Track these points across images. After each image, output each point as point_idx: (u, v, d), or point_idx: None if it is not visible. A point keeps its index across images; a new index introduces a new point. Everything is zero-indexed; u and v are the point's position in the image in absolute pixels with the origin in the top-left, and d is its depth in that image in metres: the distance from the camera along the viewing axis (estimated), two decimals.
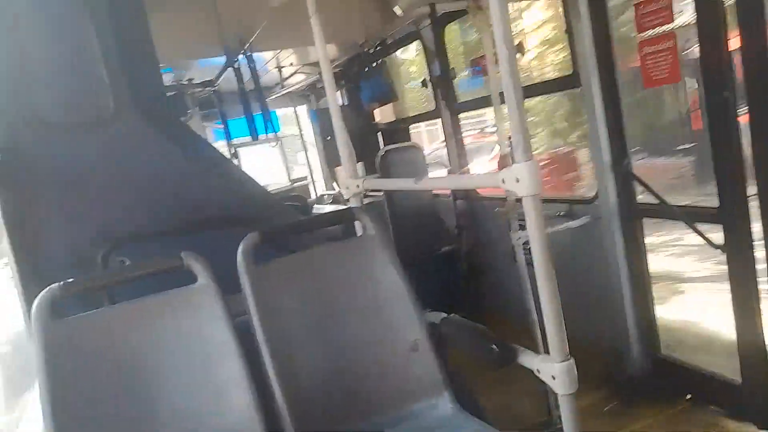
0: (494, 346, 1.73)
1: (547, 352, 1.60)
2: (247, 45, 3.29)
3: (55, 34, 2.19)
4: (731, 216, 2.49)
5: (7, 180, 2.13)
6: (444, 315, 2.06)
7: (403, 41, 4.75)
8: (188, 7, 3.71)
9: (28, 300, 1.85)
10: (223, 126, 5.46)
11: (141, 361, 1.80)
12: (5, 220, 2.14)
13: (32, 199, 2.19)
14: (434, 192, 4.95)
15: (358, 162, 5.39)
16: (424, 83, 4.74)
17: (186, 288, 1.90)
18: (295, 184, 7.49)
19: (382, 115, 6.03)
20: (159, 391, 1.79)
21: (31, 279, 2.07)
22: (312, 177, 7.66)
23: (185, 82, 5.14)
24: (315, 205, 6.34)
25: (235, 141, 5.89)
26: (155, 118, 2.40)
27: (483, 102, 4.10)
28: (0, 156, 2.11)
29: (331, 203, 6.59)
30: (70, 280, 1.80)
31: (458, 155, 4.68)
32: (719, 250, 2.58)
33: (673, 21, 2.47)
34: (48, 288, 1.77)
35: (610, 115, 2.97)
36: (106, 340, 1.80)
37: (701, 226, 2.69)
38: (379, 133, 6.01)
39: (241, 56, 3.47)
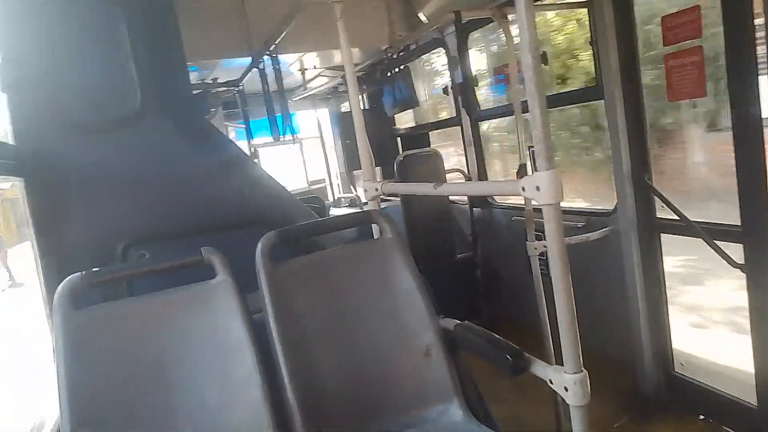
0: (507, 355, 1.73)
1: (559, 362, 1.59)
2: (273, 47, 3.33)
3: (85, 35, 2.23)
4: (753, 235, 2.46)
5: (35, 177, 2.18)
6: (457, 321, 2.06)
7: (427, 47, 4.76)
8: (217, 8, 3.77)
9: (50, 290, 1.88)
10: (244, 126, 5.52)
11: (158, 353, 1.83)
12: (32, 216, 2.19)
13: (58, 195, 2.24)
14: (451, 199, 4.95)
15: (376, 167, 5.42)
16: (445, 90, 4.75)
17: (205, 283, 1.92)
18: (313, 186, 7.53)
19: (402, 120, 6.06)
20: (174, 383, 1.81)
21: (54, 271, 2.12)
22: (330, 180, 7.70)
23: (210, 81, 5.21)
24: (332, 208, 6.37)
25: (255, 141, 5.94)
26: (182, 117, 2.43)
27: (505, 110, 4.09)
28: (30, 155, 2.16)
29: (348, 207, 6.63)
30: (93, 270, 1.83)
31: (477, 163, 4.68)
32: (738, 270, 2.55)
33: (701, 35, 2.45)
34: (69, 277, 1.80)
35: (632, 128, 2.96)
36: (125, 332, 1.83)
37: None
38: (399, 139, 6.04)
39: (266, 58, 3.52)
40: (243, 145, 5.70)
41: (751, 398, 2.64)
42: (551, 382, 1.60)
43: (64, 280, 1.80)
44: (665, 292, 3.09)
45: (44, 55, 2.18)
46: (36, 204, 2.20)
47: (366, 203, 2.59)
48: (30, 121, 2.19)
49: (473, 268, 4.68)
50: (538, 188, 1.43)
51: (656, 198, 2.99)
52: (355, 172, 6.94)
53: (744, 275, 2.53)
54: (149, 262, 2.12)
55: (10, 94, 2.17)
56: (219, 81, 5.17)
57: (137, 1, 2.30)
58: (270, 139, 4.61)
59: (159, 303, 1.89)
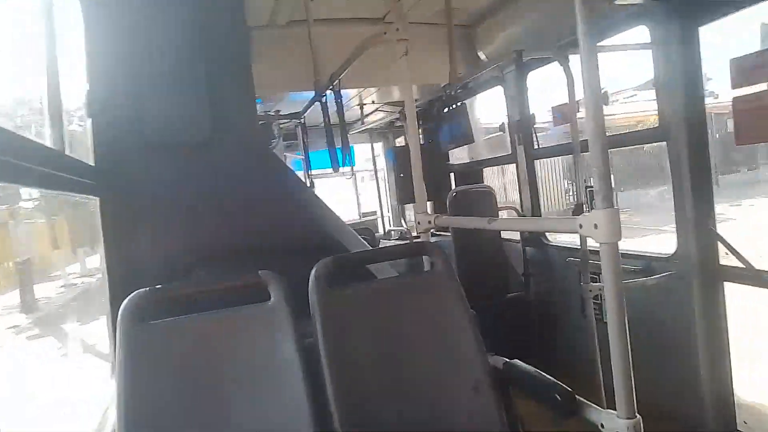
0: (557, 396, 1.69)
1: (612, 407, 1.54)
2: (337, 81, 3.46)
3: (165, 60, 2.39)
4: None
5: (110, 196, 2.32)
6: (506, 359, 2.04)
7: (486, 85, 4.81)
8: (285, 44, 3.96)
9: (115, 305, 1.98)
10: (303, 157, 5.69)
11: (214, 369, 1.88)
12: (104, 230, 2.33)
13: (129, 211, 2.37)
14: (503, 237, 4.90)
15: (428, 201, 5.45)
16: (501, 128, 4.77)
17: (260, 305, 1.98)
18: (365, 218, 7.62)
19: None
20: (229, 400, 1.85)
21: (119, 286, 2.23)
22: (382, 212, 7.78)
23: (273, 113, 5.42)
24: (382, 240, 6.42)
25: (312, 171, 6.11)
26: (248, 145, 2.55)
27: (562, 149, 4.07)
28: (107, 175, 2.31)
29: (398, 239, 6.66)
30: (158, 286, 1.93)
31: (531, 200, 4.63)
32: None
33: None
34: (136, 292, 1.90)
35: (696, 171, 2.88)
36: (184, 347, 1.90)
37: None
38: (452, 174, 6.06)
39: (329, 92, 3.65)
40: (300, 175, 5.88)
41: None
42: (602, 427, 1.55)
43: (131, 295, 1.89)
44: (728, 343, 2.94)
45: (127, 84, 2.34)
46: (108, 222, 2.33)
47: (416, 236, 2.61)
48: (110, 144, 2.34)
49: (525, 308, 4.58)
50: (596, 226, 1.42)
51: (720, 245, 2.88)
52: (406, 206, 6.99)
53: None
54: (210, 280, 2.20)
55: (95, 119, 2.34)
56: (281, 113, 5.37)
57: (217, 38, 2.45)
58: (326, 170, 4.74)
59: (217, 321, 1.96)
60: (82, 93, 2.35)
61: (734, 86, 2.54)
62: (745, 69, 2.45)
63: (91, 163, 2.34)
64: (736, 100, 2.54)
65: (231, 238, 2.46)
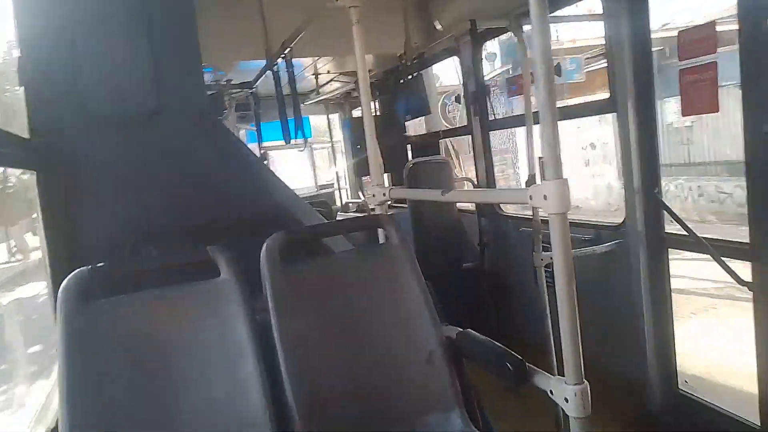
0: (508, 364, 1.72)
1: (562, 374, 1.58)
2: (288, 50, 3.36)
3: (108, 31, 2.26)
4: (762, 253, 2.43)
5: (47, 170, 2.20)
6: (460, 329, 2.06)
7: (441, 56, 4.78)
8: (234, 11, 3.81)
9: (57, 283, 1.90)
10: (256, 128, 5.56)
11: (161, 348, 1.83)
12: (42, 205, 2.21)
13: (70, 189, 2.26)
14: (459, 208, 4.94)
15: (385, 173, 5.44)
16: (458, 99, 4.76)
17: (209, 281, 1.93)
18: (322, 191, 7.57)
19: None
20: (177, 379, 1.81)
21: (61, 263, 2.13)
22: (339, 185, 7.73)
23: (224, 83, 5.25)
24: (339, 213, 6.39)
25: (265, 144, 5.98)
26: (196, 117, 2.46)
27: (516, 121, 4.10)
28: (44, 148, 2.18)
29: (356, 212, 6.65)
30: (99, 264, 1.85)
31: (487, 172, 4.67)
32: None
33: (715, 51, 2.44)
34: (76, 271, 1.82)
35: (644, 142, 2.94)
36: (128, 326, 1.83)
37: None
38: (409, 146, 6.05)
39: (280, 60, 3.55)
40: (254, 147, 5.74)
41: (754, 418, 2.61)
42: (551, 393, 1.59)
43: (71, 274, 1.81)
44: (671, 308, 3.06)
45: (63, 51, 2.20)
46: (47, 197, 2.22)
47: (374, 209, 2.60)
48: (47, 115, 2.21)
49: (480, 278, 4.66)
50: (545, 197, 1.43)
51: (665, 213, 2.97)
52: (364, 178, 6.96)
53: (751, 293, 2.51)
54: (156, 257, 2.13)
55: (28, 89, 2.20)
56: (233, 83, 5.22)
57: (158, 5, 2.32)
58: (281, 142, 4.64)
59: (164, 298, 1.90)
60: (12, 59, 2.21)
61: (681, 58, 2.59)
62: (692, 41, 2.50)
63: (26, 135, 2.20)
64: (682, 72, 2.60)
65: (179, 213, 2.38)
